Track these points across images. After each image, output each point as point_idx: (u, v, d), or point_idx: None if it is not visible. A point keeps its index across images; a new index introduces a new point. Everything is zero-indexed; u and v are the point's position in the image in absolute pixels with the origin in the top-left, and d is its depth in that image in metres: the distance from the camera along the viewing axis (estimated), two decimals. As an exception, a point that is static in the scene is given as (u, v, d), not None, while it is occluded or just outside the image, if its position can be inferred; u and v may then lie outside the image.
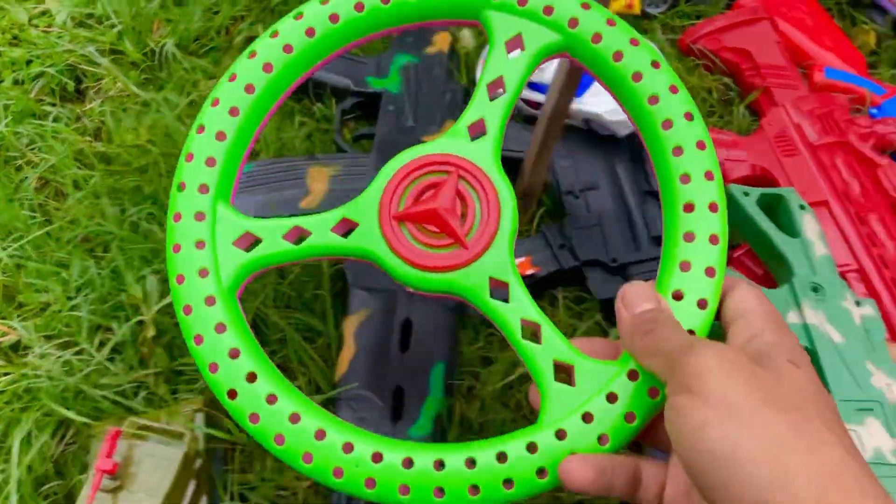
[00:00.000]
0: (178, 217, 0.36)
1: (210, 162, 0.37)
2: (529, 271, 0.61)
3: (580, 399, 0.34)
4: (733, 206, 0.61)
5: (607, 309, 0.61)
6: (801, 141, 0.68)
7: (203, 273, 0.35)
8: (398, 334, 0.55)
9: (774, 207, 0.62)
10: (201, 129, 0.37)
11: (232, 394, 0.33)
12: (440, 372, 0.53)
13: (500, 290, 0.36)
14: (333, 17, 0.39)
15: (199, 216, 0.36)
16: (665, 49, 0.80)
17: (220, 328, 0.34)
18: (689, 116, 0.37)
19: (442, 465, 0.32)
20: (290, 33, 0.39)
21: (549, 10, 0.38)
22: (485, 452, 0.33)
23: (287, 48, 0.39)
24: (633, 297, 0.34)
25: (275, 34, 0.39)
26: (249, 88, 0.38)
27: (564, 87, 0.56)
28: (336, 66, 0.73)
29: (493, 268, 0.35)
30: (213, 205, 0.37)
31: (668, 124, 0.37)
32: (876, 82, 0.75)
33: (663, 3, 0.85)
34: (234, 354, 0.34)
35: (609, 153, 0.68)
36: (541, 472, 0.32)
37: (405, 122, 0.68)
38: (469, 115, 0.37)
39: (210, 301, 0.35)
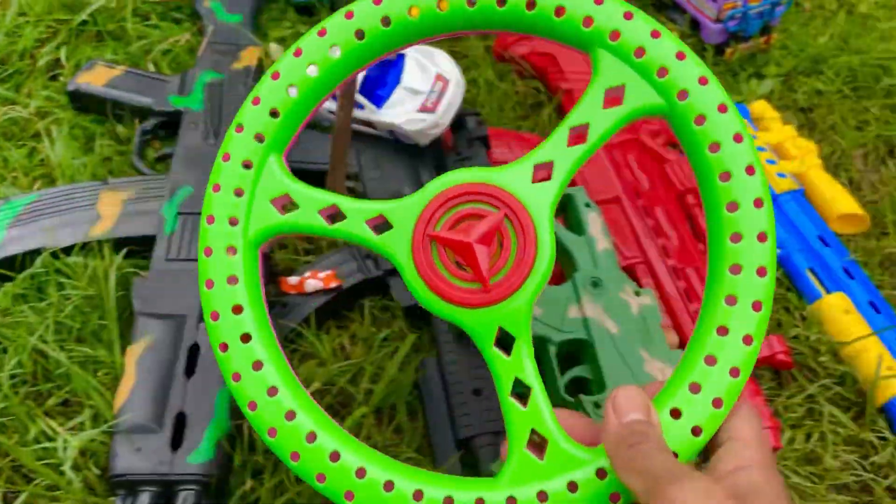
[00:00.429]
0: (227, 157, 0.36)
1: (274, 113, 0.37)
2: (333, 284, 0.61)
3: (542, 476, 0.33)
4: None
5: (411, 315, 0.62)
6: (597, 140, 0.71)
7: (233, 221, 0.36)
8: (184, 359, 0.54)
9: (566, 207, 0.64)
10: (276, 75, 0.36)
11: (223, 347, 0.35)
12: (226, 394, 0.52)
13: (504, 343, 0.35)
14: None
15: (247, 164, 0.36)
16: (481, 55, 0.82)
17: (233, 280, 0.35)
18: (762, 237, 0.34)
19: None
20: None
21: (663, 72, 0.35)
22: (434, 489, 0.33)
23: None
24: (624, 403, 0.32)
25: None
26: (334, 50, 0.37)
27: (344, 101, 0.56)
28: (137, 86, 0.71)
29: (506, 319, 0.34)
30: (265, 155, 0.36)
31: (737, 238, 0.34)
32: (673, 81, 0.80)
33: (482, 10, 0.87)
34: (237, 310, 0.35)
35: (414, 162, 0.69)
36: None
37: (206, 141, 0.67)
38: (540, 154, 0.35)
39: (231, 251, 0.35)
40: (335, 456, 0.33)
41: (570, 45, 0.36)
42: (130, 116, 0.71)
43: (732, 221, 0.34)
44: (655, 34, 0.35)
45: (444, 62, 0.68)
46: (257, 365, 0.35)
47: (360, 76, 0.67)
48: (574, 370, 0.56)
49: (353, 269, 0.62)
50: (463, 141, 0.70)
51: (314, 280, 0.61)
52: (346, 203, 0.36)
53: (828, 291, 0.63)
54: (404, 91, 0.67)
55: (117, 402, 0.51)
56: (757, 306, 0.33)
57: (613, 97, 0.35)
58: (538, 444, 0.34)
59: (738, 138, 0.34)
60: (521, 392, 0.34)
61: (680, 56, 0.35)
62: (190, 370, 0.54)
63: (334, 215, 0.36)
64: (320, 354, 0.58)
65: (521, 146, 0.71)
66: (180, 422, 0.51)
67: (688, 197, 0.67)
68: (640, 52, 0.35)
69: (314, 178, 0.68)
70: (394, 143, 0.69)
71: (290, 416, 0.34)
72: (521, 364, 0.34)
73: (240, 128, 0.37)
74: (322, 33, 0.37)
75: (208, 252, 0.36)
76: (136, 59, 0.78)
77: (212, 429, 0.51)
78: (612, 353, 0.55)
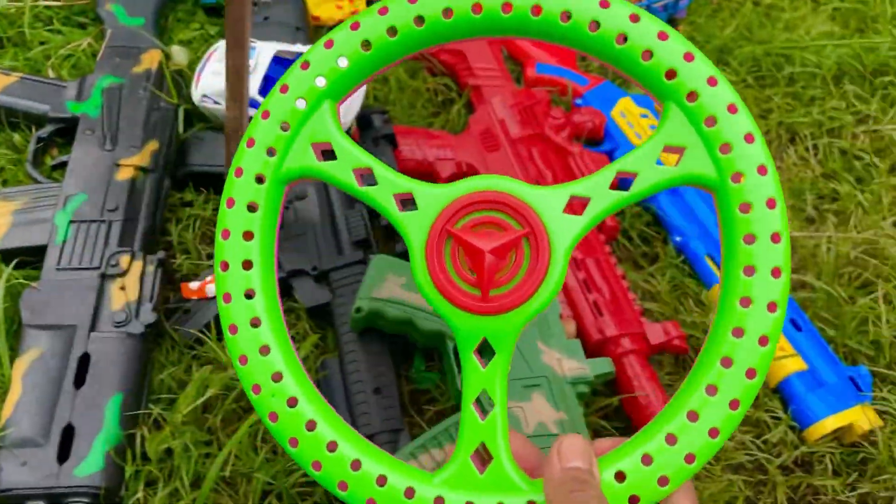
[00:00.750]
0: (284, 89, 0.36)
1: (342, 61, 0.36)
2: (235, 288, 0.60)
3: (477, 489, 0.33)
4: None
5: (314, 316, 0.62)
6: (503, 136, 0.72)
7: (271, 151, 0.36)
8: (74, 370, 0.53)
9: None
10: (329, 43, 0.36)
11: (224, 266, 0.35)
12: (117, 404, 0.52)
13: (484, 354, 0.35)
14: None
15: (301, 102, 0.36)
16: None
17: (253, 206, 0.35)
18: (772, 308, 0.33)
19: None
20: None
21: (726, 148, 0.33)
22: (371, 465, 0.34)
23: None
24: (569, 451, 0.33)
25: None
26: (391, 31, 0.36)
27: (231, 101, 0.56)
28: (33, 93, 0.69)
29: (493, 332, 0.34)
30: (320, 98, 0.36)
31: (746, 302, 0.33)
32: (582, 74, 0.81)
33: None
34: (246, 243, 0.35)
35: (318, 162, 0.68)
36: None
37: (103, 147, 0.65)
38: (581, 188, 0.34)
39: (260, 179, 0.36)
40: (311, 425, 0.34)
41: (645, 89, 0.36)
42: (27, 124, 0.69)
43: (746, 222, 0.33)
44: (733, 109, 0.34)
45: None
46: (255, 321, 0.35)
47: (260, 77, 0.67)
48: (474, 364, 0.56)
49: (255, 272, 0.62)
50: (369, 139, 0.70)
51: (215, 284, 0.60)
52: (381, 170, 0.36)
53: (726, 276, 0.65)
54: (305, 91, 0.66)
55: (2, 416, 0.50)
56: (750, 374, 0.33)
57: (669, 156, 0.35)
58: (483, 458, 0.34)
59: (776, 238, 0.33)
60: (482, 404, 0.34)
61: (749, 138, 0.33)
62: (79, 381, 0.53)
63: (365, 180, 0.37)
64: (221, 360, 0.58)
65: (429, 143, 0.72)
66: (68, 434, 0.50)
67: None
68: (712, 121, 0.34)
69: (218, 181, 0.68)
70: (299, 144, 0.69)
71: (278, 377, 0.35)
72: (494, 380, 0.34)
73: (306, 64, 0.36)
74: (329, 45, 0.37)
75: (238, 173, 0.36)
76: (37, 65, 0.76)
77: (101, 440, 0.50)
78: (509, 346, 0.55)
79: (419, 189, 0.35)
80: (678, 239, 0.67)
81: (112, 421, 0.51)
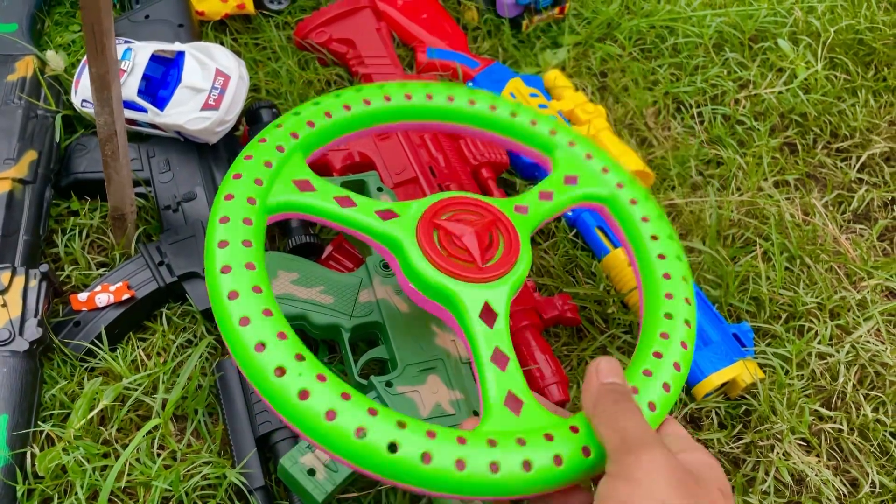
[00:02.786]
0: (263, 140, 0.46)
1: (310, 124, 0.49)
2: (126, 296, 0.59)
3: (520, 428, 0.38)
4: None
5: (210, 318, 0.61)
6: (395, 123, 0.72)
7: (258, 182, 0.44)
8: (-44, 394, 0.51)
9: (362, 192, 0.65)
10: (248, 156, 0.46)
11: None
12: (3, 424, 0.51)
13: (488, 316, 0.42)
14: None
15: (280, 148, 0.46)
16: (282, 45, 0.81)
17: (248, 221, 0.42)
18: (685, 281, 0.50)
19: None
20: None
21: (605, 170, 0.54)
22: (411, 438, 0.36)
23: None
24: (606, 369, 0.39)
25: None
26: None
27: (100, 108, 0.54)
28: None
29: (493, 296, 0.42)
30: (294, 149, 0.47)
31: (666, 276, 0.50)
32: (473, 57, 0.81)
33: (285, -1, 0.86)
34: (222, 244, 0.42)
35: (206, 160, 0.67)
36: (459, 463, 0.36)
37: (-25, 160, 0.63)
38: (519, 200, 0.50)
39: (252, 200, 0.43)
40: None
41: (535, 149, 0.56)
42: None
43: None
44: (589, 156, 0.55)
45: (222, 57, 0.67)
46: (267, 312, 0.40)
47: (138, 77, 0.65)
48: (371, 352, 0.57)
49: (146, 278, 0.61)
50: (259, 135, 0.69)
51: (105, 294, 0.59)
52: (357, 196, 0.46)
53: (615, 248, 0.67)
54: (186, 90, 0.65)
55: None
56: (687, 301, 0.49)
57: (569, 181, 0.53)
58: (514, 404, 0.39)
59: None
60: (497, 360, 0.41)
61: (605, 170, 0.54)
62: (-38, 405, 0.51)
63: (344, 201, 0.45)
64: (115, 370, 0.57)
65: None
66: (-49, 460, 0.49)
67: (482, 171, 0.69)
68: (589, 156, 0.55)
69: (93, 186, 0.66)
70: (184, 144, 0.68)
71: (300, 357, 0.38)
72: (503, 336, 0.42)
73: (280, 125, 0.48)
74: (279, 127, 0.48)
75: (229, 197, 0.44)
76: None
77: (-14, 462, 0.49)
78: (403, 331, 0.56)
79: (398, 205, 0.45)
80: (569, 213, 0.69)
81: (-1, 442, 0.50)
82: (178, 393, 0.55)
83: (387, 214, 0.44)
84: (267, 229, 0.64)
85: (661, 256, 0.51)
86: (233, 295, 0.39)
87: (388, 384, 0.53)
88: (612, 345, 0.63)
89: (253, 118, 0.70)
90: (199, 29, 0.79)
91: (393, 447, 0.36)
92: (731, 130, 0.80)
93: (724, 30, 0.87)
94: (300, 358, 0.37)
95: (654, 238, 0.51)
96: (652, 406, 0.42)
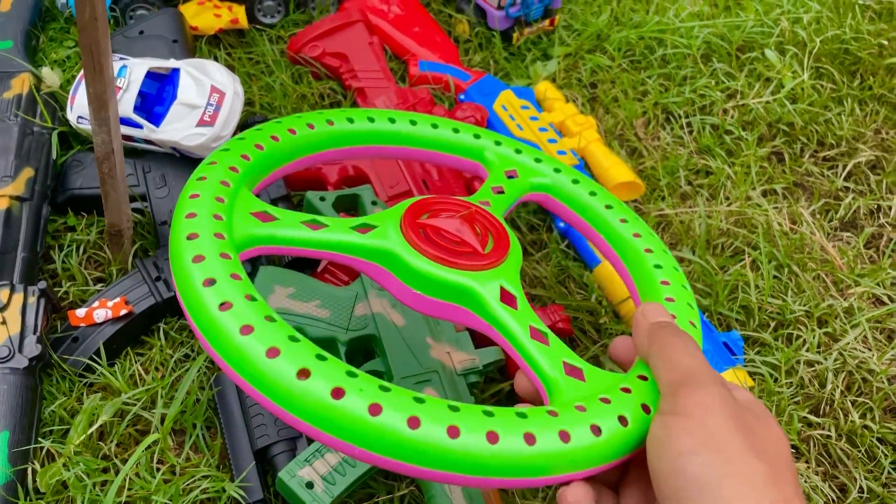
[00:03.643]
0: (203, 178, 0.42)
1: (245, 157, 0.44)
2: (124, 311, 0.60)
3: (594, 390, 0.36)
4: (311, 212, 0.64)
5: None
6: (388, 136, 0.73)
7: (217, 216, 0.39)
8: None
9: (355, 206, 0.66)
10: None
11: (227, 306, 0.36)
12: (4, 441, 0.51)
13: (509, 300, 0.40)
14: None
15: (225, 182, 0.41)
16: (275, 59, 0.82)
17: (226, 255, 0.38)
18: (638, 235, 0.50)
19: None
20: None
21: (538, 160, 0.55)
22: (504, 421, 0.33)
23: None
24: (653, 311, 0.39)
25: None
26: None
27: (97, 126, 0.55)
28: None
29: (506, 279, 0.41)
30: (240, 183, 0.42)
31: (637, 235, 0.50)
32: (465, 69, 0.82)
33: (277, 13, 0.87)
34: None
35: (203, 176, 0.68)
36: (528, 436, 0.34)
37: (-28, 179, 0.64)
38: (479, 195, 0.50)
39: (219, 238, 0.38)
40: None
41: (466, 158, 0.56)
42: None
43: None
44: (518, 150, 0.55)
45: (217, 74, 0.67)
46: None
47: (134, 94, 0.66)
48: (367, 365, 0.58)
49: (144, 294, 0.62)
50: (253, 150, 0.70)
51: (103, 309, 0.60)
52: (323, 217, 0.42)
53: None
54: (181, 107, 0.66)
55: None
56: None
57: (510, 174, 0.53)
58: (575, 371, 0.38)
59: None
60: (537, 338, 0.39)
61: (537, 160, 0.55)
62: (-38, 423, 0.52)
63: (313, 224, 0.42)
64: (113, 385, 0.57)
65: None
66: (-48, 477, 0.49)
67: (475, 183, 0.70)
68: (518, 151, 0.55)
69: (93, 202, 0.67)
70: (180, 159, 0.69)
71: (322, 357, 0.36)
72: (531, 313, 0.40)
73: (214, 162, 0.43)
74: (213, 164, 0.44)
75: (190, 214, 0.39)
76: None
77: (-12, 479, 0.49)
78: (399, 345, 0.57)
79: (369, 217, 0.43)
80: (562, 224, 0.70)
81: (0, 459, 0.50)
82: (176, 407, 0.55)
83: (364, 229, 0.41)
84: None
85: (623, 220, 0.51)
86: (225, 306, 0.36)
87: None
88: (605, 354, 0.64)
89: (248, 133, 0.71)
90: (193, 44, 0.80)
91: (453, 431, 0.32)
92: (720, 140, 0.82)
93: (712, 41, 0.89)
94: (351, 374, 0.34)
95: (609, 207, 0.52)
96: (646, 408, 0.40)
